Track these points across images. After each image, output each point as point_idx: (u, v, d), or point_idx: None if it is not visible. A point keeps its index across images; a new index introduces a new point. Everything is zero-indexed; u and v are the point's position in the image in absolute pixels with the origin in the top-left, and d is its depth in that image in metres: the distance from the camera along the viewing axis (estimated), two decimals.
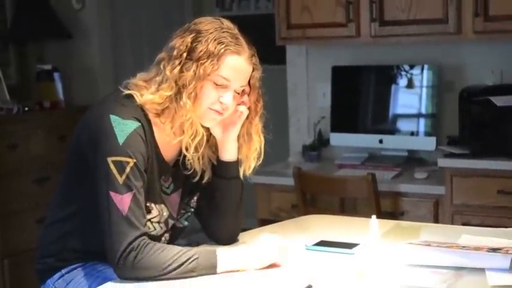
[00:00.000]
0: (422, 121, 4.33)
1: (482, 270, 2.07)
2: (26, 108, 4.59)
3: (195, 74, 2.19)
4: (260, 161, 2.41)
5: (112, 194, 2.12)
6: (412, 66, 4.31)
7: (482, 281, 2.02)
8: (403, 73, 4.34)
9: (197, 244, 2.35)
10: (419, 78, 4.32)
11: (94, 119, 2.21)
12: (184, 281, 2.13)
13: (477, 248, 2.18)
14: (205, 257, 2.17)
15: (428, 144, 4.26)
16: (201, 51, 2.20)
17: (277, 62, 4.85)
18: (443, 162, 3.89)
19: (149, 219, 2.25)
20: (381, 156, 4.46)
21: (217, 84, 2.23)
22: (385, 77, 4.43)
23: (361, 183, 3.79)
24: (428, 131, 4.28)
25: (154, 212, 2.28)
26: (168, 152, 2.30)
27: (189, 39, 2.22)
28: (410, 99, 4.35)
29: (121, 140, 2.14)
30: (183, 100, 2.20)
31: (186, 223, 2.45)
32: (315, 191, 4.04)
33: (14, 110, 4.50)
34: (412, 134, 4.34)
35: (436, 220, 3.89)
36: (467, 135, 3.97)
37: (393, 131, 4.39)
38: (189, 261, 2.13)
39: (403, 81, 4.36)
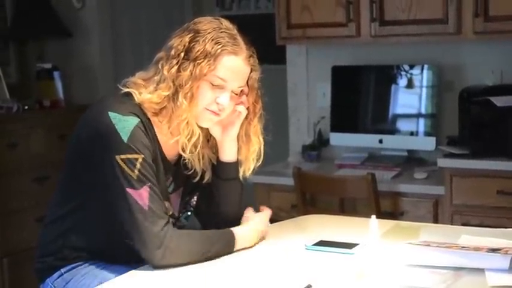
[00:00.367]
0: (422, 121, 4.33)
1: (481, 270, 2.07)
2: (26, 107, 4.59)
3: (191, 73, 2.19)
4: (260, 163, 2.42)
5: (129, 190, 2.14)
6: (412, 66, 4.31)
7: (481, 282, 2.01)
8: (403, 73, 4.34)
9: None
10: (419, 78, 4.32)
11: (93, 118, 2.21)
12: (186, 280, 2.13)
13: (477, 248, 2.18)
14: (226, 237, 2.29)
15: (428, 144, 4.26)
16: (198, 51, 2.20)
17: (277, 61, 4.85)
18: (443, 162, 3.89)
19: None
20: (380, 156, 4.46)
21: (213, 85, 2.23)
22: (385, 77, 4.43)
23: (360, 183, 3.79)
24: (428, 131, 4.28)
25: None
26: (168, 151, 2.31)
27: (187, 38, 2.22)
28: (410, 99, 4.35)
29: (125, 137, 2.14)
30: (179, 100, 2.20)
31: (185, 222, 2.46)
32: (315, 191, 4.04)
33: (13, 109, 4.50)
34: (411, 134, 4.34)
35: (435, 220, 3.89)
36: (467, 135, 3.97)
37: (393, 131, 4.39)
38: (217, 242, 2.25)
39: (403, 81, 4.36)
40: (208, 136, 2.37)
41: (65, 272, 2.32)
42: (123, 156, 2.14)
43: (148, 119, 2.24)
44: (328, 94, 4.55)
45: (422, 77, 4.31)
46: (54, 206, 2.37)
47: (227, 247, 2.30)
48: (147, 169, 2.17)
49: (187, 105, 2.20)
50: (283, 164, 4.50)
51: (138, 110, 2.21)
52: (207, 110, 2.25)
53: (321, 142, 4.64)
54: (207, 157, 2.38)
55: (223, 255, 2.28)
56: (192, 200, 2.44)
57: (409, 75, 4.33)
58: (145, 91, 2.24)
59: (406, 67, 4.32)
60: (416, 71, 4.31)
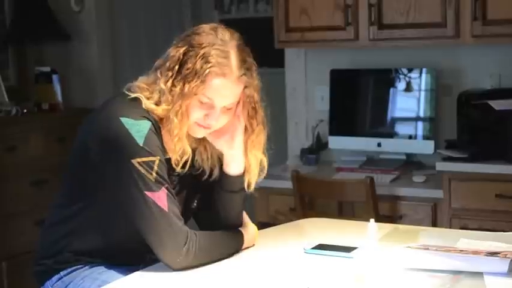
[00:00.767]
0: (420, 125, 4.33)
1: (480, 274, 2.08)
2: (25, 110, 4.59)
3: (181, 91, 2.19)
4: (261, 178, 2.40)
5: (149, 194, 2.14)
6: (410, 70, 4.31)
7: (480, 285, 2.02)
8: (402, 76, 4.35)
9: None
10: (417, 81, 4.32)
11: (104, 124, 2.21)
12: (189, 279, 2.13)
13: (475, 252, 2.18)
14: (237, 237, 2.36)
15: (427, 147, 4.26)
16: (188, 68, 2.19)
17: (275, 65, 4.86)
18: (441, 166, 3.89)
19: None
20: (379, 160, 4.46)
21: (202, 102, 2.22)
22: (383, 81, 4.44)
23: (359, 187, 3.79)
24: (426, 135, 4.28)
25: None
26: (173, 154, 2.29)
27: (181, 51, 2.22)
28: (408, 102, 4.35)
29: (140, 140, 2.15)
30: (170, 117, 2.20)
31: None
32: (313, 194, 4.04)
33: (12, 112, 4.50)
34: (410, 137, 4.34)
35: (434, 224, 3.89)
36: (466, 139, 3.98)
37: (391, 134, 4.39)
38: (231, 242, 2.33)
39: (401, 85, 4.36)
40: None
41: (64, 275, 2.32)
42: (139, 160, 2.14)
43: (156, 122, 2.24)
44: (327, 97, 4.55)
45: (421, 80, 4.31)
46: (57, 208, 2.38)
47: (238, 246, 2.36)
48: (163, 171, 2.19)
49: (178, 123, 2.20)
50: (281, 168, 4.50)
51: (148, 114, 2.22)
52: (198, 124, 2.26)
53: (320, 145, 4.64)
54: (216, 155, 2.38)
55: (234, 254, 2.33)
56: (193, 203, 2.44)
57: (407, 79, 4.33)
58: (151, 100, 2.24)
59: (405, 71, 4.33)
60: (414, 74, 4.31)
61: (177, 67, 2.21)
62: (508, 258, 2.09)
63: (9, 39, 4.96)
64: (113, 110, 2.22)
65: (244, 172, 2.35)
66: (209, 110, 2.23)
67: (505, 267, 2.07)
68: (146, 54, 5.66)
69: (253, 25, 6.02)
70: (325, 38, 4.34)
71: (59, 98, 4.89)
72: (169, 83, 2.21)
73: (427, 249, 2.23)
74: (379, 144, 4.40)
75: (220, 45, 2.21)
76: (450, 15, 3.96)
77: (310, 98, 4.77)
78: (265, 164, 2.39)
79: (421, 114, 4.31)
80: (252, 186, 2.37)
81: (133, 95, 2.26)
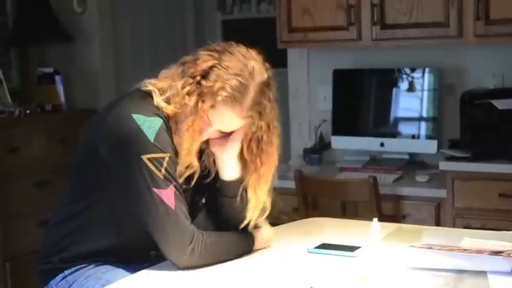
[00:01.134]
0: (423, 124, 4.33)
1: (484, 273, 2.07)
2: (28, 111, 4.59)
3: (195, 107, 2.18)
4: (262, 218, 2.40)
5: (156, 191, 2.15)
6: (413, 70, 4.31)
7: (484, 284, 2.02)
8: (404, 76, 4.35)
9: None
10: (420, 81, 4.32)
11: (115, 120, 2.21)
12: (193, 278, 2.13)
13: (479, 251, 2.18)
14: (247, 239, 2.35)
15: (430, 147, 4.25)
16: (207, 86, 2.18)
17: (278, 65, 4.85)
18: (444, 166, 3.89)
19: None
20: (382, 160, 4.45)
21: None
22: (386, 80, 4.43)
23: (362, 187, 3.79)
24: (429, 134, 4.28)
25: None
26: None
27: (210, 64, 2.20)
28: (411, 102, 4.35)
29: (151, 137, 2.15)
30: (181, 131, 2.21)
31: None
32: (317, 194, 4.04)
33: (15, 113, 4.50)
34: (413, 137, 4.33)
35: (437, 223, 3.88)
36: (469, 138, 3.97)
37: (394, 134, 4.39)
38: (240, 244, 2.32)
39: (404, 85, 4.36)
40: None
41: (68, 274, 2.33)
42: (149, 156, 2.15)
43: (167, 119, 2.24)
44: (330, 97, 4.55)
45: (424, 80, 4.31)
46: (64, 206, 2.38)
47: (247, 248, 2.35)
48: (172, 168, 2.19)
49: (189, 138, 2.21)
50: (284, 168, 4.49)
51: (159, 111, 2.22)
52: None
53: (323, 145, 4.64)
54: None
55: (243, 256, 2.32)
56: (201, 202, 2.43)
57: (410, 79, 4.33)
58: (163, 96, 2.24)
59: (407, 70, 4.32)
60: (417, 74, 4.31)
61: (199, 78, 2.20)
62: (511, 257, 2.09)
63: (12, 40, 4.97)
64: (125, 107, 2.23)
65: (240, 180, 2.32)
66: (205, 126, 2.23)
67: (508, 266, 2.07)
68: (149, 55, 5.67)
69: (256, 25, 6.05)
70: (327, 38, 4.34)
71: (62, 99, 4.89)
72: (185, 90, 2.20)
73: (431, 248, 2.23)
74: (382, 144, 4.39)
75: (244, 78, 2.20)
76: (453, 15, 3.95)
77: (313, 98, 4.77)
78: (268, 205, 2.37)
79: (424, 114, 4.30)
80: (252, 224, 2.36)
81: (146, 89, 2.27)
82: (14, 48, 5.02)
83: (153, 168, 2.15)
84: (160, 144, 2.17)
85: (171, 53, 5.87)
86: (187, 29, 6.20)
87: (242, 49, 2.26)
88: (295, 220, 2.86)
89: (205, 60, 2.21)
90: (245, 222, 2.33)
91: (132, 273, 2.28)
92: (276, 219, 2.54)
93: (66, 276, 2.33)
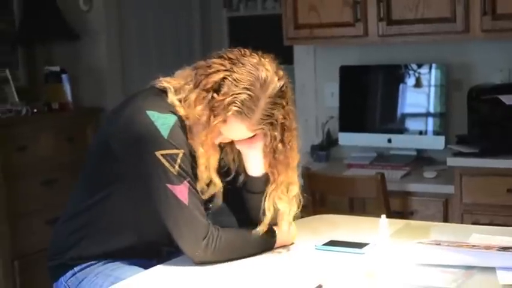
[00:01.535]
0: (430, 120, 4.32)
1: (492, 269, 2.07)
2: (35, 110, 4.60)
3: (207, 122, 2.19)
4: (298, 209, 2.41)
5: (170, 186, 2.17)
6: (420, 65, 4.31)
7: (492, 280, 2.01)
8: (411, 72, 4.34)
9: None
10: (427, 77, 4.31)
11: (130, 117, 2.22)
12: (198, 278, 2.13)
13: (487, 247, 2.17)
14: (267, 236, 2.32)
15: (437, 143, 4.25)
16: (219, 100, 2.18)
17: (285, 61, 4.85)
18: (452, 161, 3.88)
19: None
20: (389, 156, 4.45)
21: None
22: (393, 76, 4.43)
23: (370, 183, 3.78)
24: (437, 130, 4.27)
25: None
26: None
27: (221, 75, 2.19)
28: (418, 98, 4.34)
29: (165, 133, 2.17)
30: (196, 146, 2.22)
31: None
32: (324, 191, 4.03)
33: (22, 112, 4.51)
34: (420, 133, 4.33)
35: (445, 219, 3.88)
36: (476, 134, 3.97)
37: (402, 130, 4.38)
38: (257, 241, 2.30)
39: (411, 81, 4.35)
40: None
41: (78, 271, 2.34)
42: (163, 152, 2.16)
43: (181, 117, 2.25)
44: (337, 94, 4.55)
45: (431, 76, 4.30)
46: (74, 202, 2.39)
47: (267, 245, 2.35)
48: (187, 164, 2.20)
49: (204, 153, 2.22)
50: None
51: (173, 108, 2.23)
52: None
53: (330, 142, 4.64)
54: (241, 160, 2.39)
55: (262, 253, 2.32)
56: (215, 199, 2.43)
57: (417, 75, 4.32)
58: (178, 96, 2.24)
59: (414, 66, 4.32)
60: (424, 70, 4.30)
61: (211, 92, 2.19)
62: None
63: (19, 39, 4.98)
64: (140, 103, 2.24)
65: (265, 176, 2.33)
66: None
67: None
68: (155, 52, 5.67)
69: (262, 22, 6.04)
70: (334, 35, 4.33)
71: (69, 97, 4.90)
72: (198, 104, 2.19)
73: (439, 244, 2.23)
74: (389, 140, 4.39)
75: (255, 92, 2.19)
76: (459, 10, 3.94)
77: (319, 94, 4.77)
78: (300, 200, 2.40)
79: (431, 110, 4.30)
80: (261, 228, 2.34)
81: (161, 86, 2.27)
82: (20, 47, 5.03)
83: (166, 164, 2.16)
84: (174, 141, 2.18)
85: (177, 50, 5.88)
86: (193, 27, 6.20)
87: (254, 59, 2.24)
88: (303, 217, 2.86)
89: (217, 71, 2.20)
90: (260, 229, 2.32)
91: (141, 270, 2.29)
92: None
93: (75, 273, 2.34)
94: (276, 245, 2.37)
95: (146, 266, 2.33)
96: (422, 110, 4.34)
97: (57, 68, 4.91)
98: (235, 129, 2.22)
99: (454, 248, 2.18)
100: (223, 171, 2.37)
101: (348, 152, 4.59)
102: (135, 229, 2.32)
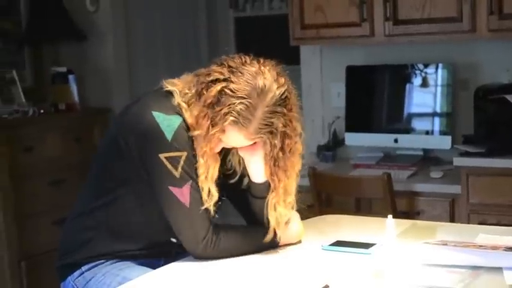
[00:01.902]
0: (437, 120, 4.31)
1: (499, 269, 2.07)
2: (42, 111, 4.61)
3: (207, 133, 2.19)
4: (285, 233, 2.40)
5: (172, 189, 2.20)
6: (426, 65, 4.30)
7: (499, 281, 2.01)
8: (418, 72, 4.33)
9: None
10: (433, 77, 4.30)
11: (136, 117, 2.25)
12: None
13: (494, 247, 2.17)
14: (270, 236, 2.33)
15: (444, 143, 4.24)
16: (216, 111, 2.18)
17: (291, 62, 4.85)
18: (459, 161, 3.87)
19: None
20: (396, 156, 4.45)
21: None
22: (399, 76, 4.42)
23: (376, 183, 3.78)
24: (443, 130, 4.26)
25: None
26: None
27: (218, 87, 2.19)
28: (425, 98, 4.34)
29: (169, 135, 2.19)
30: (197, 157, 2.23)
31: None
32: (331, 191, 4.03)
33: (29, 113, 4.52)
34: (427, 133, 4.32)
35: (452, 219, 3.87)
36: (483, 133, 3.96)
37: (408, 130, 4.38)
38: (260, 240, 2.32)
39: (417, 80, 4.35)
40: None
41: (85, 271, 2.35)
42: (166, 155, 2.19)
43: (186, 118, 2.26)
44: (343, 94, 4.54)
45: (437, 75, 4.29)
46: (84, 201, 2.41)
47: (271, 244, 2.35)
48: (190, 166, 2.22)
49: (204, 164, 2.22)
50: None
51: (179, 110, 2.24)
52: None
53: (336, 142, 4.63)
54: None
55: (267, 250, 2.34)
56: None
57: (423, 74, 4.32)
58: (184, 98, 2.25)
59: (421, 66, 4.31)
60: (430, 69, 4.29)
61: (211, 106, 2.19)
62: None
63: (26, 40, 4.99)
64: (146, 104, 2.26)
65: (267, 182, 2.33)
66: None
67: None
68: (162, 53, 5.68)
69: (268, 23, 6.04)
70: (340, 35, 4.33)
71: (76, 98, 4.91)
72: (200, 120, 2.20)
73: (446, 244, 2.22)
74: (396, 140, 4.38)
75: (251, 101, 2.18)
76: (466, 10, 3.94)
77: (326, 94, 4.77)
78: (294, 203, 2.38)
79: (438, 110, 4.29)
80: (269, 237, 2.35)
81: (168, 88, 2.28)
82: (27, 48, 5.04)
83: (169, 167, 2.19)
84: (178, 143, 2.20)
85: (184, 51, 5.88)
86: (199, 27, 6.20)
87: (254, 67, 2.22)
88: (309, 217, 2.86)
89: (215, 79, 2.20)
90: (268, 239, 2.33)
91: (149, 270, 2.31)
92: None
93: (83, 273, 2.35)
94: (282, 243, 2.39)
95: (154, 266, 2.35)
96: (429, 110, 4.33)
97: (63, 69, 4.92)
98: (234, 138, 2.23)
99: (461, 248, 2.18)
100: (228, 173, 2.38)
101: (354, 152, 4.59)
102: (143, 229, 2.34)
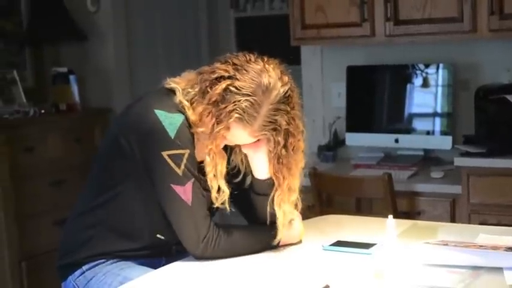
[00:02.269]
0: (438, 120, 4.31)
1: (500, 269, 2.07)
2: (42, 111, 4.61)
3: (212, 131, 2.20)
4: (290, 232, 2.41)
5: (174, 186, 2.20)
6: (427, 65, 4.30)
7: (500, 281, 2.01)
8: (418, 72, 4.33)
9: None
10: (434, 77, 4.30)
11: (138, 115, 2.25)
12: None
13: (495, 248, 2.17)
14: (270, 235, 2.34)
15: (445, 143, 4.24)
16: (221, 108, 2.19)
17: (292, 62, 4.85)
18: (459, 161, 3.87)
19: None
20: (396, 156, 4.45)
21: None
22: (400, 76, 4.42)
23: (377, 183, 3.78)
24: (444, 130, 4.26)
25: None
26: (200, 150, 2.30)
27: (224, 84, 2.19)
28: (425, 98, 4.34)
29: (172, 133, 2.19)
30: (202, 156, 2.25)
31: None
32: (331, 191, 4.03)
33: (30, 113, 4.52)
34: (427, 133, 4.32)
35: (452, 219, 3.87)
36: (484, 134, 3.96)
37: (409, 130, 4.38)
38: (260, 240, 2.34)
39: (418, 81, 4.35)
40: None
41: (86, 270, 2.35)
42: (169, 152, 2.19)
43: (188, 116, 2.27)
44: (344, 94, 4.55)
45: (438, 76, 4.29)
46: (84, 200, 2.41)
47: (271, 244, 2.36)
48: (192, 164, 2.23)
49: (210, 161, 2.23)
50: None
51: (182, 108, 2.25)
52: None
53: (337, 142, 4.63)
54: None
55: (267, 250, 2.35)
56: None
57: (424, 74, 4.32)
58: (186, 97, 2.26)
59: (421, 66, 4.31)
60: (431, 70, 4.29)
61: (215, 105, 2.20)
62: None
63: (27, 40, 4.99)
64: (148, 102, 2.27)
65: (270, 179, 2.34)
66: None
67: None
68: (162, 53, 5.68)
69: (269, 23, 6.04)
70: (341, 35, 4.33)
71: (76, 98, 4.91)
72: (205, 117, 2.21)
73: (446, 245, 2.22)
74: (396, 140, 4.39)
75: (256, 99, 2.19)
76: (467, 10, 3.94)
77: (326, 95, 4.77)
78: (299, 201, 2.39)
79: (439, 110, 4.29)
80: (278, 238, 2.35)
81: (170, 86, 2.30)
82: (28, 48, 5.05)
83: (172, 164, 2.20)
84: (181, 141, 2.20)
85: (184, 51, 5.88)
86: (200, 28, 6.20)
87: (258, 65, 2.23)
88: (310, 217, 2.86)
89: (220, 77, 2.21)
90: (277, 240, 2.34)
91: (150, 270, 2.31)
92: None
93: (84, 272, 2.35)
94: (282, 242, 2.39)
95: (155, 266, 2.35)
96: (430, 110, 4.34)
97: (64, 69, 4.92)
98: (238, 135, 2.24)
99: (461, 248, 2.18)
100: (232, 172, 2.38)
101: (355, 152, 4.59)
102: (144, 228, 2.34)
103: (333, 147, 4.62)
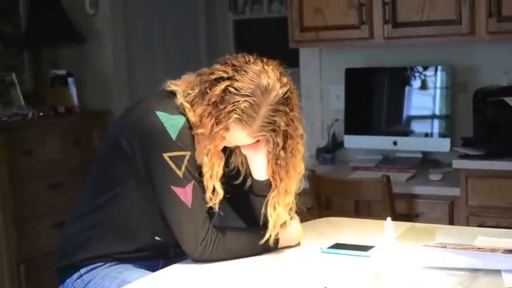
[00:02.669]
0: (436, 122, 4.32)
1: (498, 271, 2.07)
2: (41, 114, 4.61)
3: (210, 132, 2.20)
4: (284, 233, 2.40)
5: (174, 188, 2.21)
6: (425, 68, 4.30)
7: (498, 283, 2.01)
8: (417, 74, 4.34)
9: None
10: (432, 79, 4.31)
11: (140, 117, 2.26)
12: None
13: (493, 250, 2.17)
14: (269, 240, 2.33)
15: (443, 145, 4.24)
16: (220, 109, 2.19)
17: (290, 64, 4.84)
18: (458, 164, 3.87)
19: None
20: (395, 158, 4.45)
21: None
22: (398, 79, 4.42)
23: (375, 186, 3.78)
24: (442, 133, 4.27)
25: None
26: (200, 151, 2.30)
27: (223, 85, 2.20)
28: (424, 100, 4.34)
29: (174, 135, 2.20)
30: (200, 156, 2.24)
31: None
32: (330, 193, 4.03)
33: (28, 116, 4.52)
34: (426, 135, 4.32)
35: (451, 222, 3.87)
36: (482, 136, 3.96)
37: (407, 132, 4.38)
38: (259, 243, 2.32)
39: (416, 83, 4.35)
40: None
41: (84, 273, 2.35)
42: (170, 154, 2.20)
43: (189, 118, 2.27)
44: (342, 96, 4.55)
45: (436, 78, 4.29)
46: (83, 202, 2.41)
47: (270, 247, 2.36)
48: (193, 166, 2.23)
49: (208, 162, 2.23)
50: None
51: (183, 110, 2.26)
52: None
53: (335, 145, 4.63)
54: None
55: (262, 254, 2.35)
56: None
57: (422, 77, 4.32)
58: (187, 98, 2.27)
59: (420, 68, 4.32)
60: (429, 72, 4.30)
61: (215, 106, 2.20)
62: None
63: (25, 43, 4.99)
64: (150, 104, 2.27)
65: (269, 180, 2.34)
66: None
67: None
68: (161, 56, 5.68)
69: (267, 25, 6.04)
70: (339, 37, 4.33)
71: (75, 100, 4.91)
72: (204, 118, 2.21)
73: (445, 247, 2.22)
74: (395, 143, 4.39)
75: (255, 99, 2.19)
76: (465, 12, 3.94)
77: (325, 97, 4.77)
78: (293, 205, 2.38)
79: (437, 112, 4.29)
80: (271, 240, 2.35)
81: (170, 88, 2.30)
82: (26, 51, 5.04)
83: (173, 166, 2.20)
84: (182, 143, 2.21)
85: (183, 53, 5.88)
86: (199, 30, 6.21)
87: (258, 66, 2.24)
88: (308, 220, 2.86)
89: (219, 77, 2.21)
90: (265, 239, 2.33)
91: (148, 272, 2.31)
92: None
93: (82, 275, 2.35)
94: (280, 245, 2.39)
95: (153, 268, 2.35)
96: (428, 113, 4.34)
97: (63, 72, 4.92)
98: (237, 136, 2.24)
99: (460, 251, 2.18)
100: (232, 174, 2.39)
101: (354, 154, 4.59)
102: (142, 229, 2.34)
103: (331, 150, 4.62)
